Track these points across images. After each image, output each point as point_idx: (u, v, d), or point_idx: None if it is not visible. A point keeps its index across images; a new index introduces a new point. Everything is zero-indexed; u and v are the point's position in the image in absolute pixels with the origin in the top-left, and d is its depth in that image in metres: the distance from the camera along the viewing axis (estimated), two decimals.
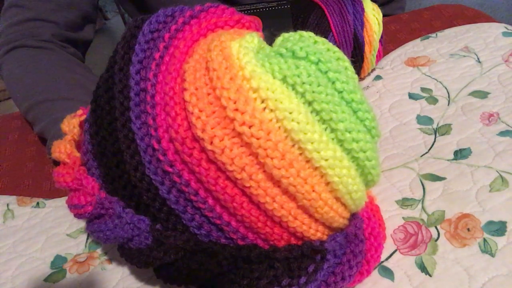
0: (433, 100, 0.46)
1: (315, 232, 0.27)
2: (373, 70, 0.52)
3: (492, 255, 0.31)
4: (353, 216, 0.29)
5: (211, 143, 0.23)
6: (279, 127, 0.23)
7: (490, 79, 0.47)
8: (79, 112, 0.34)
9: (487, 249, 0.31)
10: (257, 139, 0.23)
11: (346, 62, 0.26)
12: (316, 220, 0.27)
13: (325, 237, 0.28)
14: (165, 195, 0.26)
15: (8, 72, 0.51)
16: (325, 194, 0.25)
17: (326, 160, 0.24)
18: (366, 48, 0.47)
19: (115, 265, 0.35)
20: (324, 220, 0.26)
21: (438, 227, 0.34)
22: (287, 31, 0.27)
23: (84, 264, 0.36)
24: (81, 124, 0.33)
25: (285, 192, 0.25)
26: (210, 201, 0.25)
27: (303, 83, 0.24)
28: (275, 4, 0.47)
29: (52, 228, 0.39)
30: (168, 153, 0.25)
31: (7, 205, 0.42)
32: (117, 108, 0.27)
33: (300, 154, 0.24)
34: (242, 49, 0.24)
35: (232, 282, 0.26)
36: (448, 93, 0.47)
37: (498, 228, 0.33)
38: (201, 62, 0.25)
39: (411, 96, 0.47)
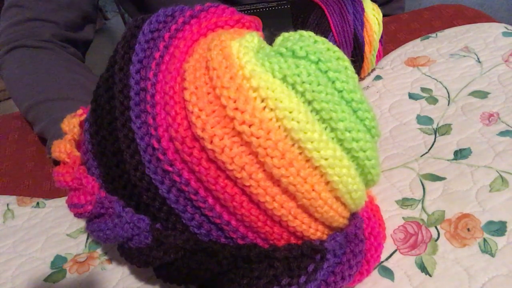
0: (433, 100, 0.46)
1: (315, 232, 0.27)
2: (373, 70, 0.52)
3: (492, 255, 0.31)
4: (353, 216, 0.29)
5: (211, 142, 0.23)
6: (279, 126, 0.23)
7: (490, 79, 0.47)
8: (79, 111, 0.34)
9: (487, 249, 0.31)
10: (257, 138, 0.23)
11: (346, 62, 0.26)
12: (316, 220, 0.27)
13: (325, 237, 0.28)
14: (165, 194, 0.26)
15: (8, 72, 0.51)
16: (325, 193, 0.25)
17: (326, 159, 0.24)
18: (366, 48, 0.47)
19: (115, 265, 0.35)
20: (324, 219, 0.26)
21: (438, 227, 0.34)
22: (287, 31, 0.27)
23: (84, 264, 0.36)
24: (81, 124, 0.33)
25: (285, 191, 0.25)
26: (210, 200, 0.25)
27: (303, 82, 0.24)
28: (275, 4, 0.47)
29: (52, 228, 0.39)
30: (168, 152, 0.25)
31: (7, 205, 0.42)
32: (117, 108, 0.27)
33: (300, 153, 0.24)
34: (242, 49, 0.24)
35: (232, 281, 0.26)
36: (448, 93, 0.47)
37: (498, 228, 0.33)
38: (201, 61, 0.25)
39: (411, 96, 0.47)
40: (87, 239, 0.38)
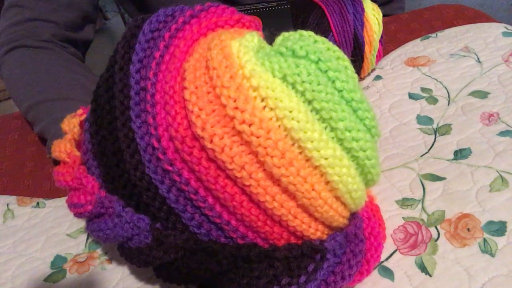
0: (433, 100, 0.46)
1: (315, 231, 0.27)
2: (373, 70, 0.52)
3: (492, 255, 0.31)
4: (353, 215, 0.29)
5: (211, 141, 0.23)
6: (279, 126, 0.23)
7: (490, 79, 0.47)
8: (79, 111, 0.34)
9: (487, 249, 0.31)
10: (257, 137, 0.23)
11: (346, 62, 0.26)
12: (316, 219, 0.27)
13: (324, 237, 0.28)
14: (164, 194, 0.26)
15: (8, 72, 0.51)
16: (324, 193, 0.25)
17: (326, 159, 0.24)
18: (366, 48, 0.47)
19: (115, 265, 0.35)
20: (324, 219, 0.26)
21: (438, 227, 0.34)
22: (287, 31, 0.27)
23: (84, 264, 0.36)
24: (81, 124, 0.33)
25: (285, 191, 0.25)
26: (210, 200, 0.25)
27: (303, 82, 0.24)
28: (275, 4, 0.47)
29: (52, 228, 0.39)
30: (168, 151, 0.25)
31: (7, 205, 0.42)
32: (117, 107, 0.27)
33: (300, 153, 0.24)
34: (242, 48, 0.24)
35: (232, 281, 0.26)
36: (448, 93, 0.47)
37: (498, 228, 0.33)
38: (201, 61, 0.25)
39: (411, 96, 0.47)
40: (87, 239, 0.38)
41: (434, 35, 0.56)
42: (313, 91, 0.24)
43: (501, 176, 0.36)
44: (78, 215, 0.30)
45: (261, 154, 0.23)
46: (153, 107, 0.25)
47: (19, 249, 0.38)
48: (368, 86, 0.50)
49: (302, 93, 0.24)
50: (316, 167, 0.24)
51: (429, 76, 0.49)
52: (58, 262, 0.36)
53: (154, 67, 0.26)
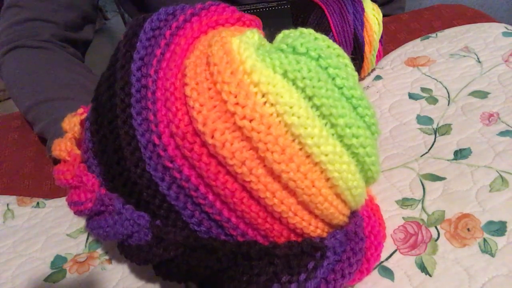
0: (433, 100, 0.46)
1: (315, 229, 0.27)
2: (373, 70, 0.52)
3: (492, 255, 0.31)
4: (353, 214, 0.29)
5: (212, 137, 0.23)
6: (280, 122, 0.23)
7: (490, 79, 0.47)
8: (80, 110, 0.34)
9: (487, 249, 0.31)
10: (258, 133, 0.23)
11: (346, 59, 0.26)
12: (316, 217, 0.26)
13: (325, 234, 0.28)
14: (165, 191, 0.26)
15: (8, 72, 0.51)
16: (325, 189, 0.25)
17: (326, 155, 0.24)
18: (366, 48, 0.47)
19: (115, 265, 0.35)
20: (324, 216, 0.26)
21: (438, 227, 0.34)
22: None
23: (84, 264, 0.36)
24: (81, 123, 0.33)
25: (285, 187, 0.25)
26: (210, 196, 0.25)
27: (304, 78, 0.24)
28: (275, 4, 0.47)
29: (52, 228, 0.39)
30: (169, 148, 0.25)
31: (7, 205, 0.42)
32: (118, 105, 0.27)
33: (300, 149, 0.24)
34: (243, 44, 0.24)
35: (232, 278, 0.26)
36: (448, 93, 0.47)
37: (498, 228, 0.33)
38: (201, 58, 0.25)
39: (411, 96, 0.47)
40: (87, 239, 0.38)
41: (434, 35, 0.56)
42: (313, 87, 0.24)
43: (501, 176, 0.36)
44: (78, 213, 0.30)
45: (262, 149, 0.23)
46: (154, 104, 0.25)
47: (19, 249, 0.38)
48: (368, 86, 0.50)
49: (303, 89, 0.24)
50: (316, 164, 0.24)
51: (429, 76, 0.49)
52: (58, 262, 0.36)
53: (155, 65, 0.27)
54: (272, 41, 0.27)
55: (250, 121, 0.23)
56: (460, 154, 0.39)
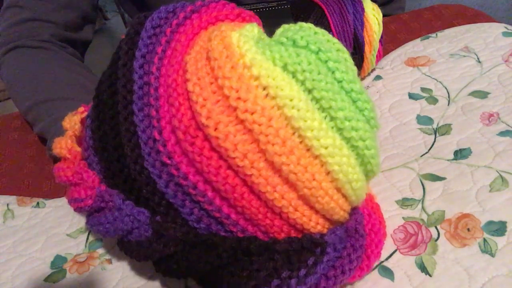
0: (433, 100, 0.46)
1: (315, 225, 0.27)
2: (373, 70, 0.52)
3: (492, 255, 0.31)
4: (354, 211, 0.29)
5: (216, 129, 0.23)
6: (280, 114, 0.23)
7: (490, 79, 0.47)
8: (81, 109, 0.34)
9: (487, 249, 0.31)
10: (259, 125, 0.23)
11: (346, 54, 0.26)
12: (317, 212, 0.26)
13: (325, 230, 0.28)
14: (163, 189, 0.26)
15: (8, 72, 0.51)
16: (325, 183, 0.25)
17: (326, 148, 0.24)
18: (366, 48, 0.47)
19: (115, 265, 0.35)
20: (325, 211, 0.26)
21: (438, 227, 0.34)
22: None
23: (84, 264, 0.36)
24: (82, 121, 0.33)
25: (286, 181, 0.25)
26: (210, 193, 0.25)
27: (304, 71, 0.24)
28: (275, 4, 0.47)
29: (52, 228, 0.39)
30: (168, 143, 0.25)
31: (7, 205, 0.42)
32: (119, 102, 0.27)
33: (301, 142, 0.24)
34: (243, 37, 0.24)
35: (232, 274, 0.26)
36: (448, 93, 0.47)
37: (498, 228, 0.33)
38: (202, 53, 0.25)
39: (411, 96, 0.47)
40: (87, 239, 0.38)
41: (434, 35, 0.56)
42: (313, 80, 0.24)
43: (501, 176, 0.36)
44: (78, 209, 0.30)
45: (263, 142, 0.23)
46: (157, 100, 0.26)
47: (19, 249, 0.38)
48: (368, 86, 0.50)
49: (303, 82, 0.24)
50: (316, 157, 0.24)
51: (429, 76, 0.49)
52: (58, 262, 0.36)
53: (157, 62, 0.27)
54: None
55: (252, 114, 0.23)
56: (460, 154, 0.39)
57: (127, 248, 0.29)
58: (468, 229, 0.33)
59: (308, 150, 0.24)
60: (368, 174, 0.28)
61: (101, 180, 0.29)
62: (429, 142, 0.41)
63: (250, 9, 0.46)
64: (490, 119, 0.42)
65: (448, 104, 0.45)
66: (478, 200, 0.35)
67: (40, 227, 0.39)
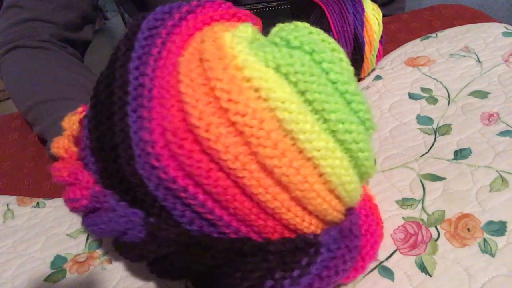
0: (433, 100, 0.46)
1: (309, 225, 0.27)
2: (373, 70, 0.52)
3: (492, 255, 0.31)
4: (349, 211, 0.29)
5: (207, 130, 0.23)
6: (272, 117, 0.23)
7: (490, 79, 0.47)
8: (80, 109, 0.34)
9: (487, 249, 0.31)
10: (250, 128, 0.22)
11: (341, 53, 0.26)
12: (310, 213, 0.26)
13: (319, 231, 0.27)
14: (153, 192, 0.26)
15: (8, 72, 0.51)
16: (318, 185, 0.25)
17: (318, 150, 0.24)
18: (366, 48, 0.47)
19: (115, 265, 0.35)
20: (318, 212, 0.26)
21: (438, 227, 0.34)
22: None
23: (84, 264, 0.36)
24: (80, 121, 0.33)
25: (278, 183, 0.24)
26: (201, 196, 0.25)
27: (296, 72, 0.23)
28: (275, 4, 0.47)
29: (52, 228, 0.39)
30: (157, 146, 0.24)
31: (7, 205, 0.42)
32: (116, 103, 0.27)
33: (293, 144, 0.24)
34: (235, 38, 0.24)
35: (225, 275, 0.26)
36: (448, 93, 0.47)
37: (498, 228, 0.33)
38: (195, 54, 0.25)
39: (411, 96, 0.47)
40: (87, 239, 0.38)
41: (434, 35, 0.56)
42: (306, 82, 0.24)
43: (501, 176, 0.36)
44: (74, 210, 0.30)
45: (254, 144, 0.23)
46: (150, 101, 0.25)
47: (19, 249, 0.38)
48: (368, 86, 0.50)
49: (295, 84, 0.24)
50: (309, 159, 0.24)
51: (429, 76, 0.49)
52: (58, 262, 0.36)
53: (152, 64, 0.27)
54: None
55: (243, 116, 0.22)
56: (460, 154, 0.39)
57: (122, 248, 0.29)
58: (468, 229, 0.33)
59: (300, 152, 0.24)
60: (363, 176, 0.28)
61: (97, 180, 0.29)
62: (429, 142, 0.41)
63: (250, 9, 0.46)
64: (490, 119, 0.42)
65: (448, 104, 0.45)
66: (478, 200, 0.35)
67: (40, 227, 0.39)
